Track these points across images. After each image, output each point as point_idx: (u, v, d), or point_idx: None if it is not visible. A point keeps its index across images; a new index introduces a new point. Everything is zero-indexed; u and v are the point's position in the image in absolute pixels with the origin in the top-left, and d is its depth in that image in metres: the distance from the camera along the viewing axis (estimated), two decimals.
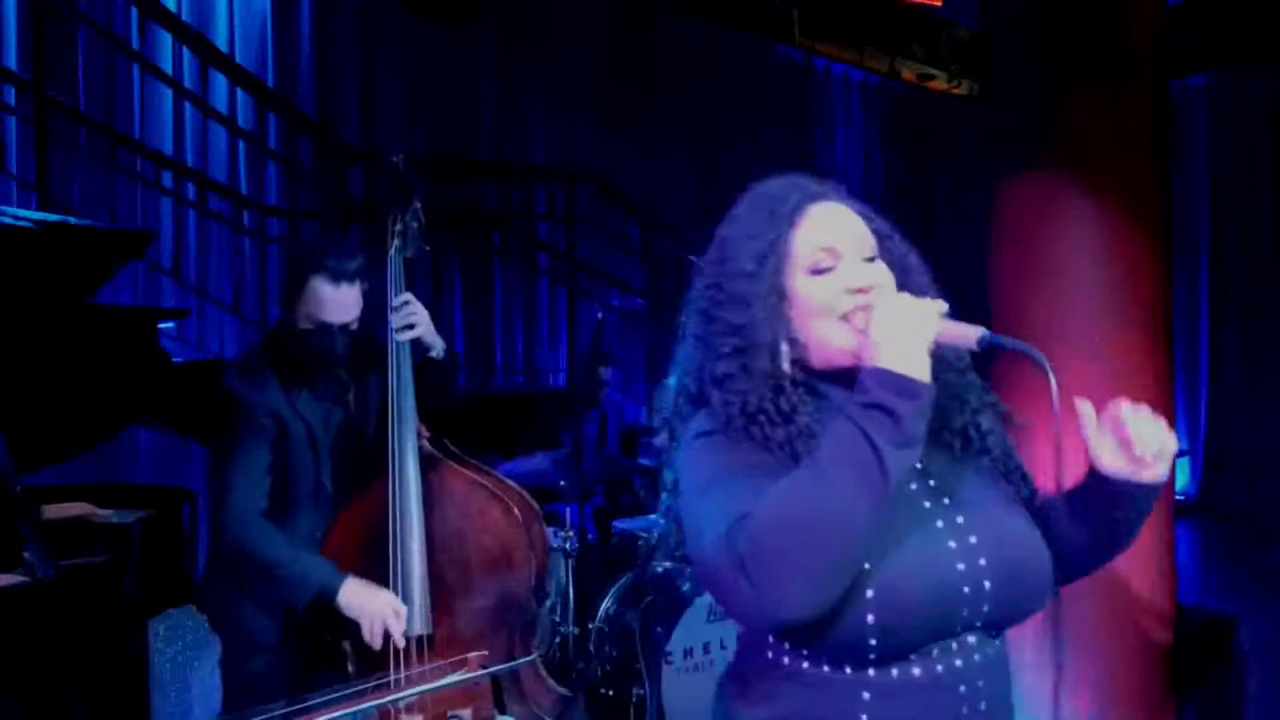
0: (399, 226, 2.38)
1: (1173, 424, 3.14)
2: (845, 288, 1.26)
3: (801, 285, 1.27)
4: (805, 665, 1.24)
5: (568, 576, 3.88)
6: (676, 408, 1.36)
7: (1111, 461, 1.24)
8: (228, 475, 2.29)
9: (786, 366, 1.27)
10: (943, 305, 1.20)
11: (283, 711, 1.71)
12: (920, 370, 1.13)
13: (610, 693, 3.56)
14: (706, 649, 3.44)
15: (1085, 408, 1.24)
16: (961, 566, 1.20)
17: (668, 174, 7.36)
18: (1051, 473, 1.27)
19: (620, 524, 4.37)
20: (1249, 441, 7.92)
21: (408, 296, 2.36)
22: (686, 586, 3.56)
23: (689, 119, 7.38)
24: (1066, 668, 2.90)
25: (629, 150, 7.05)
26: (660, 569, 3.69)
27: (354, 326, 2.37)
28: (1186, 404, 7.94)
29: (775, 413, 1.24)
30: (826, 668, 1.22)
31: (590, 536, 4.47)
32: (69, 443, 2.81)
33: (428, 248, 2.45)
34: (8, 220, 2.65)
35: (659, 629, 3.40)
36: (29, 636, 2.13)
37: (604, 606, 3.71)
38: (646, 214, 6.85)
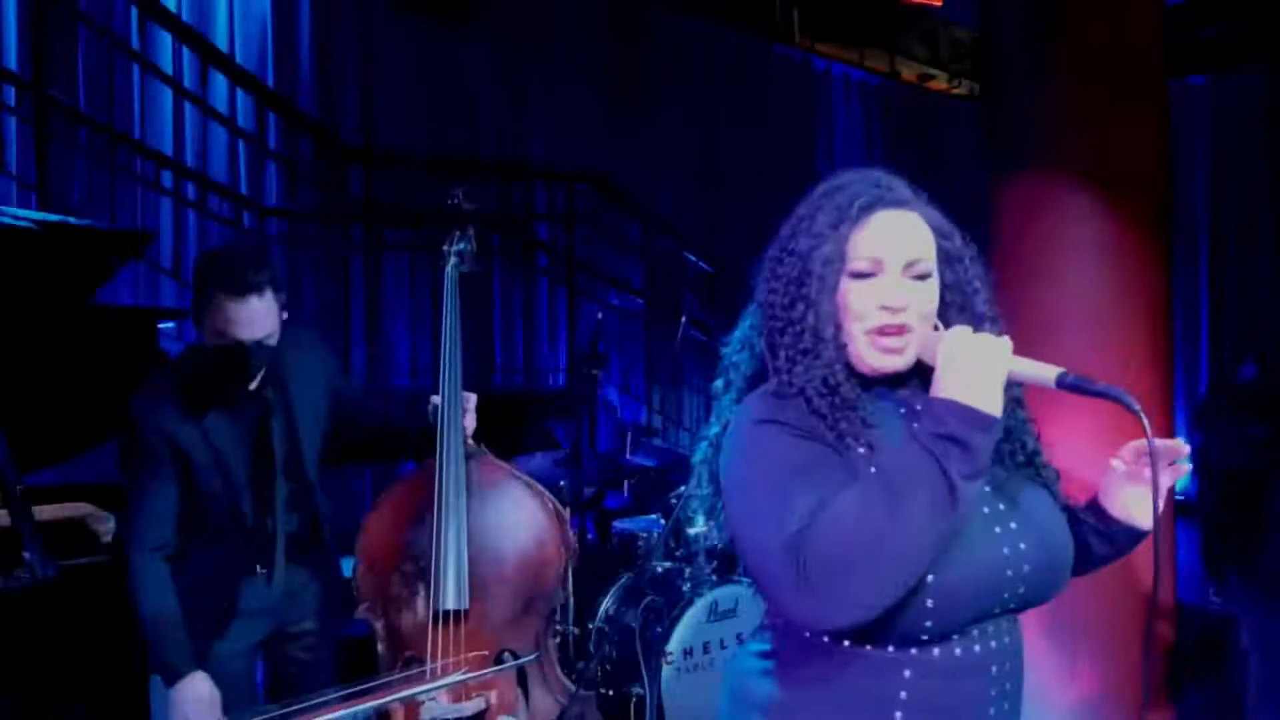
0: (456, 247, 2.52)
1: (1173, 423, 3.14)
2: (879, 302, 1.27)
3: (843, 287, 1.29)
4: (846, 643, 1.25)
5: (568, 576, 3.86)
6: (742, 371, 1.37)
7: (1112, 504, 1.37)
8: (130, 516, 2.22)
9: (843, 362, 1.29)
10: (1008, 342, 1.22)
11: (283, 712, 1.71)
12: (992, 404, 1.17)
13: (610, 693, 3.55)
14: (706, 649, 3.44)
15: (1117, 463, 1.36)
16: (1007, 550, 1.25)
17: (668, 174, 7.35)
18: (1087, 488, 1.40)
19: (620, 524, 4.36)
20: None
21: (472, 400, 2.42)
22: (686, 587, 3.56)
23: (689, 119, 7.37)
24: (1069, 664, 2.91)
25: (629, 150, 7.03)
26: (660, 569, 3.70)
27: (272, 341, 2.17)
28: (1187, 404, 7.94)
29: (837, 401, 1.25)
30: (869, 646, 1.24)
31: (590, 536, 4.46)
32: (69, 443, 2.81)
33: (482, 266, 2.59)
34: (8, 220, 2.65)
35: (659, 629, 3.40)
36: (29, 636, 2.13)
37: (604, 606, 3.70)
38: (646, 214, 6.85)
